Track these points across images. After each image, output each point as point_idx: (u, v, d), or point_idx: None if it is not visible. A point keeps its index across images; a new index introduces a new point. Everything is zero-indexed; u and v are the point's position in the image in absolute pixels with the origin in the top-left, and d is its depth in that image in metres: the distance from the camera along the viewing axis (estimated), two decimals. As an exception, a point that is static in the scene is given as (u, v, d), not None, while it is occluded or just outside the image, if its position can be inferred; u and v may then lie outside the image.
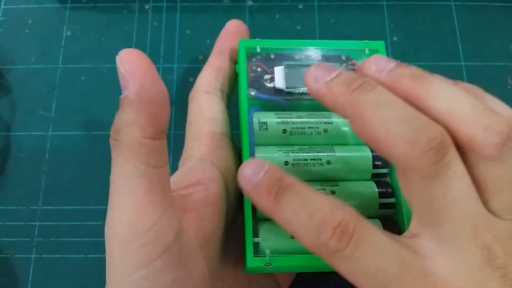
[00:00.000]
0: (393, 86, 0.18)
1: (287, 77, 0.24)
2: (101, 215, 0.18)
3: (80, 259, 0.27)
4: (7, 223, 0.27)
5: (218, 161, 0.22)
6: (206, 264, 0.19)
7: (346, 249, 0.16)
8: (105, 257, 0.17)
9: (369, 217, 0.22)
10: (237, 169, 0.20)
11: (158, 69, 0.30)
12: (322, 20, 0.31)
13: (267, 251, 0.20)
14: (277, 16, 0.32)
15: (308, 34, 0.31)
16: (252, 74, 0.24)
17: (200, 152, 0.22)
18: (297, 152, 0.22)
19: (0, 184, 0.28)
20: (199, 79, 0.25)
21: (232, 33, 0.25)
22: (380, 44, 0.24)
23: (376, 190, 0.22)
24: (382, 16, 0.32)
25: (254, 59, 0.24)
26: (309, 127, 0.23)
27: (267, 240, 0.21)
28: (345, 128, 0.23)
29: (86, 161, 0.28)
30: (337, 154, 0.22)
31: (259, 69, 0.24)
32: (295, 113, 0.23)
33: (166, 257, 0.17)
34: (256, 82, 0.24)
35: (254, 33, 0.29)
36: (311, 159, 0.22)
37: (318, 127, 0.23)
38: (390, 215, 0.22)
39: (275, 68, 0.24)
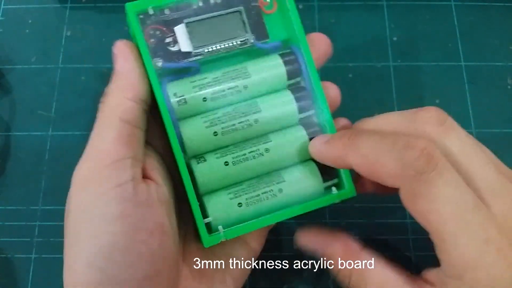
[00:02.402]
0: None
1: (191, 37, 0.21)
2: (101, 215, 0.18)
3: (80, 259, 0.27)
4: (7, 223, 0.27)
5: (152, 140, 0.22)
6: (168, 218, 0.20)
7: (433, 173, 0.17)
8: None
9: (304, 160, 0.22)
10: (166, 137, 0.21)
11: (158, 69, 0.30)
12: (322, 20, 0.31)
13: (220, 227, 0.20)
14: (277, 16, 0.32)
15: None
16: (152, 40, 0.21)
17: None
18: (223, 121, 0.21)
19: (0, 184, 0.28)
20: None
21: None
22: None
23: (306, 133, 0.22)
24: (382, 16, 0.32)
25: (149, 22, 0.21)
26: (228, 88, 0.21)
27: (217, 216, 0.21)
28: (263, 77, 0.22)
29: (86, 161, 0.28)
30: (261, 107, 0.22)
31: (157, 32, 0.21)
32: (210, 75, 0.22)
33: (119, 190, 0.18)
34: (159, 49, 0.21)
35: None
36: (238, 123, 0.21)
37: (237, 86, 0.22)
38: None
39: (175, 29, 0.21)
